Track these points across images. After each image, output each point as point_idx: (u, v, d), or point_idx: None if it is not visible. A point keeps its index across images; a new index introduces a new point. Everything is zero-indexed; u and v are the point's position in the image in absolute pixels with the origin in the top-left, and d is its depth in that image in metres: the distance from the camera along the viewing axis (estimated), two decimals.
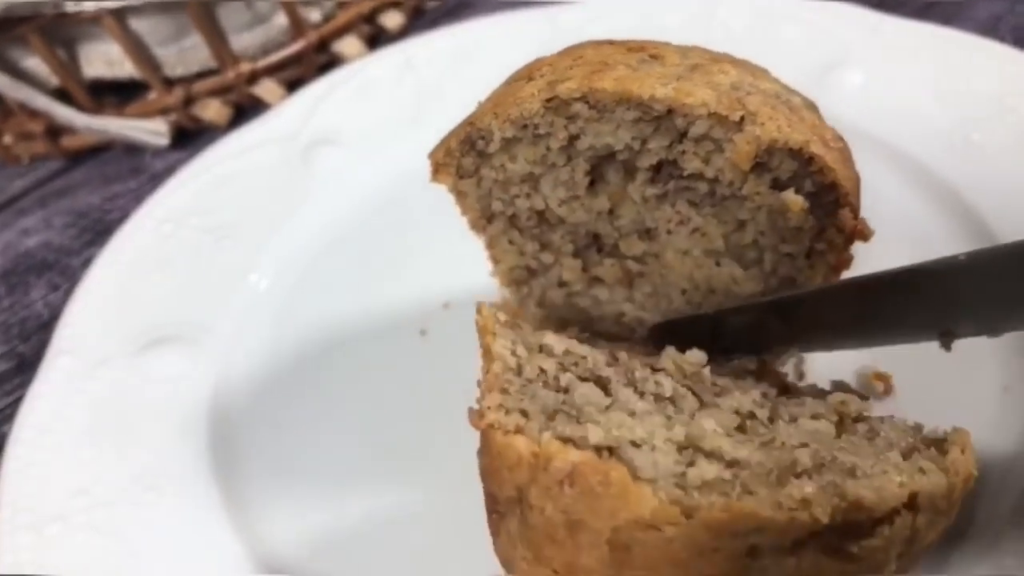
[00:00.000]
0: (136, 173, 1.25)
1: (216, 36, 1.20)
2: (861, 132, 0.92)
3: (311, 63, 1.27)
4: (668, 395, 0.58)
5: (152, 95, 1.23)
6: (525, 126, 0.65)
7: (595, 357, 0.62)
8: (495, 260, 0.80)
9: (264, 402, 0.85)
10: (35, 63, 1.19)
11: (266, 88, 1.25)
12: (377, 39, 1.33)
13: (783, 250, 0.67)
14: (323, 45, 1.27)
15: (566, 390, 0.56)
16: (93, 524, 0.75)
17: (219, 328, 0.91)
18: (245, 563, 0.71)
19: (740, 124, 0.60)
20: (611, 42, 0.67)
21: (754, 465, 0.50)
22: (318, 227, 1.01)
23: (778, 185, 0.63)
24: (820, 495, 0.46)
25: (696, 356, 0.63)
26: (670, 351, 0.64)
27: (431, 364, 0.84)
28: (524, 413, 0.52)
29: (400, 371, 0.84)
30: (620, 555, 0.47)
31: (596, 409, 0.54)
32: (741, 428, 0.56)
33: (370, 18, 1.31)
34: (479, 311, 0.61)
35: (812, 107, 0.67)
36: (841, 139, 0.65)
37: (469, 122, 0.67)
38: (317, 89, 1.14)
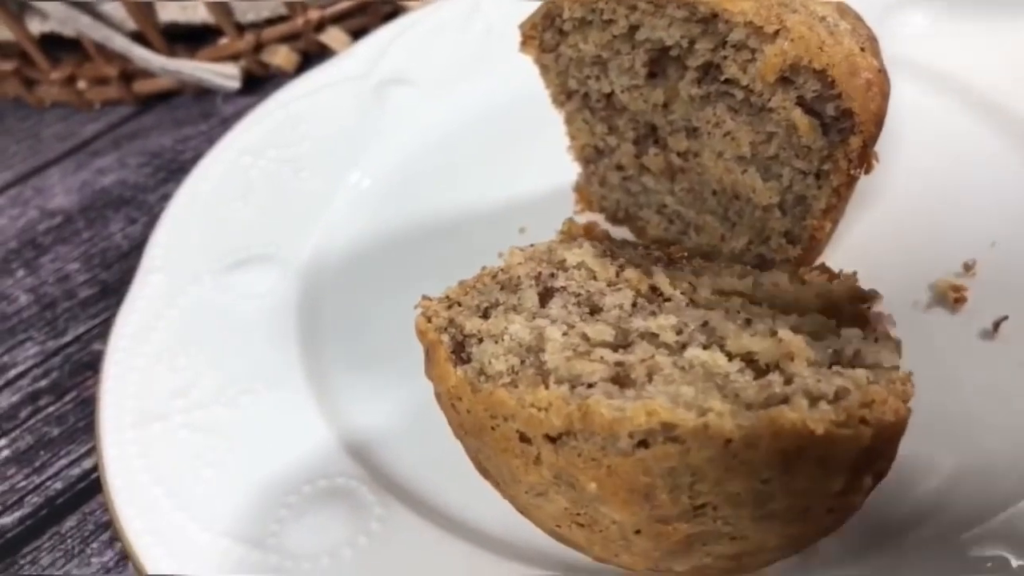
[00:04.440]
0: (206, 117, 1.29)
1: None
2: (926, 69, 0.95)
3: (376, 12, 1.30)
4: (602, 308, 0.63)
5: (223, 41, 1.27)
6: (593, 9, 0.72)
7: (601, 270, 0.67)
8: (572, 136, 0.88)
9: (347, 313, 0.88)
10: (113, 7, 1.22)
11: (333, 36, 1.28)
12: None
13: (797, 166, 0.71)
14: None
15: (515, 291, 0.64)
16: (192, 423, 0.79)
17: (303, 249, 0.94)
18: (335, 451, 0.75)
19: (774, 37, 0.64)
20: None
21: (554, 368, 0.55)
22: (393, 160, 1.04)
23: (803, 103, 0.66)
24: (560, 401, 0.51)
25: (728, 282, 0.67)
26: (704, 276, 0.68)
27: None
28: (452, 304, 0.63)
29: None
30: (451, 413, 0.58)
31: (511, 310, 0.62)
32: (613, 344, 0.58)
33: None
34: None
35: (866, 38, 0.69)
36: (880, 72, 0.67)
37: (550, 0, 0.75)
38: (386, 32, 1.17)
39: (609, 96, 0.80)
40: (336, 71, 1.13)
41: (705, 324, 0.60)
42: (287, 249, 0.94)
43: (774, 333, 0.57)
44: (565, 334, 0.59)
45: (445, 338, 0.60)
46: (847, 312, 0.63)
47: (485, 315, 0.63)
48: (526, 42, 0.79)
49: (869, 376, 0.52)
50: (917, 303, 0.77)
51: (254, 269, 0.92)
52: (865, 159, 0.68)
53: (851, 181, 0.70)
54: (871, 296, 0.63)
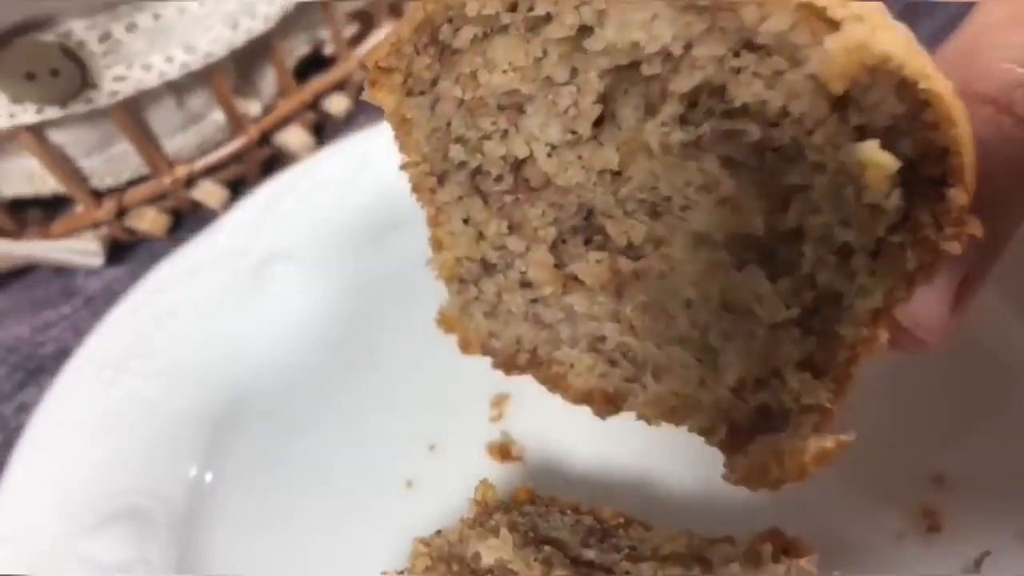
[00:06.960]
0: (68, 296, 1.14)
1: (146, 140, 1.09)
2: None
3: (253, 159, 1.17)
4: None
5: (80, 208, 1.12)
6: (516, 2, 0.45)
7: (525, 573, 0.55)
8: (437, 244, 0.59)
9: None
10: None
11: (205, 191, 1.14)
12: (323, 126, 1.23)
13: (839, 238, 0.44)
14: (264, 139, 1.17)
15: None
16: None
17: (177, 497, 0.80)
18: None
19: (833, 26, 0.39)
20: None
21: None
22: (280, 360, 0.90)
23: (865, 136, 0.41)
24: None
25: None
26: None
27: (420, 522, 0.73)
28: None
29: (384, 532, 0.74)
30: None
31: None
32: None
33: (313, 104, 1.21)
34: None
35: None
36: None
37: None
38: (262, 196, 1.03)
39: (519, 166, 0.52)
40: (206, 250, 0.99)
41: None
42: (158, 499, 0.79)
43: None
44: None
45: None
46: None
47: None
48: (378, 81, 0.50)
49: None
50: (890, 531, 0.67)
51: (119, 529, 0.78)
52: (963, 225, 0.42)
53: (935, 261, 0.43)
54: None
